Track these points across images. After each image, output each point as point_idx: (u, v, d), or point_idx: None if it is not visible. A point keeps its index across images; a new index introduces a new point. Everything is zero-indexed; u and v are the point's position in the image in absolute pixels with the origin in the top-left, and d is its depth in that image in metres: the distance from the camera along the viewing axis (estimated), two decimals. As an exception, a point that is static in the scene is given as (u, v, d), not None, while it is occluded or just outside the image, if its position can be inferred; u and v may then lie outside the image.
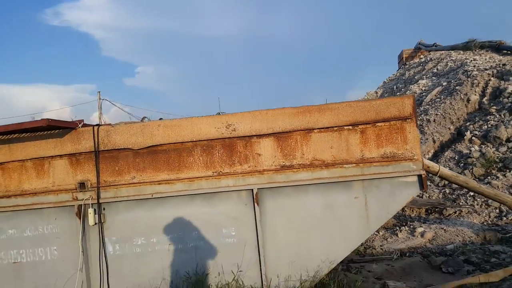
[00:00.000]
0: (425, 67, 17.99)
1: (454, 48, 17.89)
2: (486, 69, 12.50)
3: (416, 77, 17.75)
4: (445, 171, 5.23)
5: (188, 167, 4.60)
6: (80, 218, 4.62)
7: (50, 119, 4.13)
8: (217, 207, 4.61)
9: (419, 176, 4.42)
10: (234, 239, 4.60)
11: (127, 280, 4.63)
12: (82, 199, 4.62)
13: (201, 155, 4.58)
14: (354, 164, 4.46)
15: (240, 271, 4.55)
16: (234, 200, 4.62)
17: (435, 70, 16.49)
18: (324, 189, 4.51)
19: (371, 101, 4.52)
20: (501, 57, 13.83)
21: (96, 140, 4.60)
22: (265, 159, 4.54)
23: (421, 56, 20.67)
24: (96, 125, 4.70)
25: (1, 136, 4.53)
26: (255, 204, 4.51)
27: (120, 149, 4.62)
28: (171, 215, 4.63)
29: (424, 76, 16.65)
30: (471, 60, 14.20)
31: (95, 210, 4.59)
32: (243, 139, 4.55)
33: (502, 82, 11.69)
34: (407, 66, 21.68)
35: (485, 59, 14.00)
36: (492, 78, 12.05)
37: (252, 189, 4.52)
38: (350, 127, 4.47)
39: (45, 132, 4.55)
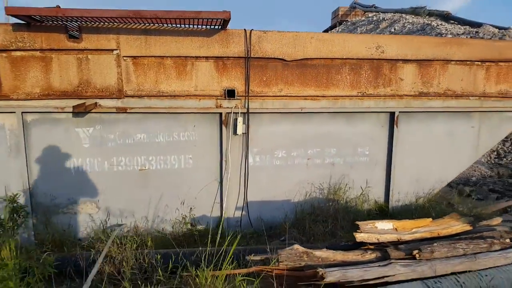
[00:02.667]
0: (379, 25, 19.11)
1: (399, 11, 19.17)
2: (459, 34, 13.88)
3: (371, 34, 18.85)
4: None
5: (335, 85, 4.60)
6: (226, 127, 4.35)
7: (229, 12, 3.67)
8: (356, 127, 4.77)
9: (522, 112, 5.18)
10: (367, 158, 4.87)
11: (264, 192, 4.63)
12: (229, 108, 4.33)
13: (349, 74, 4.60)
14: (477, 97, 4.98)
15: (369, 186, 4.90)
16: (372, 121, 4.81)
17: (392, 30, 17.59)
18: (449, 117, 4.98)
19: (497, 42, 5.01)
20: (463, 26, 15.42)
21: (248, 45, 4.26)
22: (406, 84, 4.77)
23: (369, 15, 21.70)
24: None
25: (159, 25, 3.92)
26: (395, 127, 4.79)
27: (270, 58, 4.37)
28: (313, 131, 4.66)
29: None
30: (438, 25, 15.54)
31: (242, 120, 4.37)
32: (389, 62, 4.68)
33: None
34: (349, 23, 22.75)
35: (450, 25, 15.48)
36: (466, 44, 13.50)
37: (394, 112, 4.76)
38: (479, 63, 4.91)
39: (194, 28, 4.06)
